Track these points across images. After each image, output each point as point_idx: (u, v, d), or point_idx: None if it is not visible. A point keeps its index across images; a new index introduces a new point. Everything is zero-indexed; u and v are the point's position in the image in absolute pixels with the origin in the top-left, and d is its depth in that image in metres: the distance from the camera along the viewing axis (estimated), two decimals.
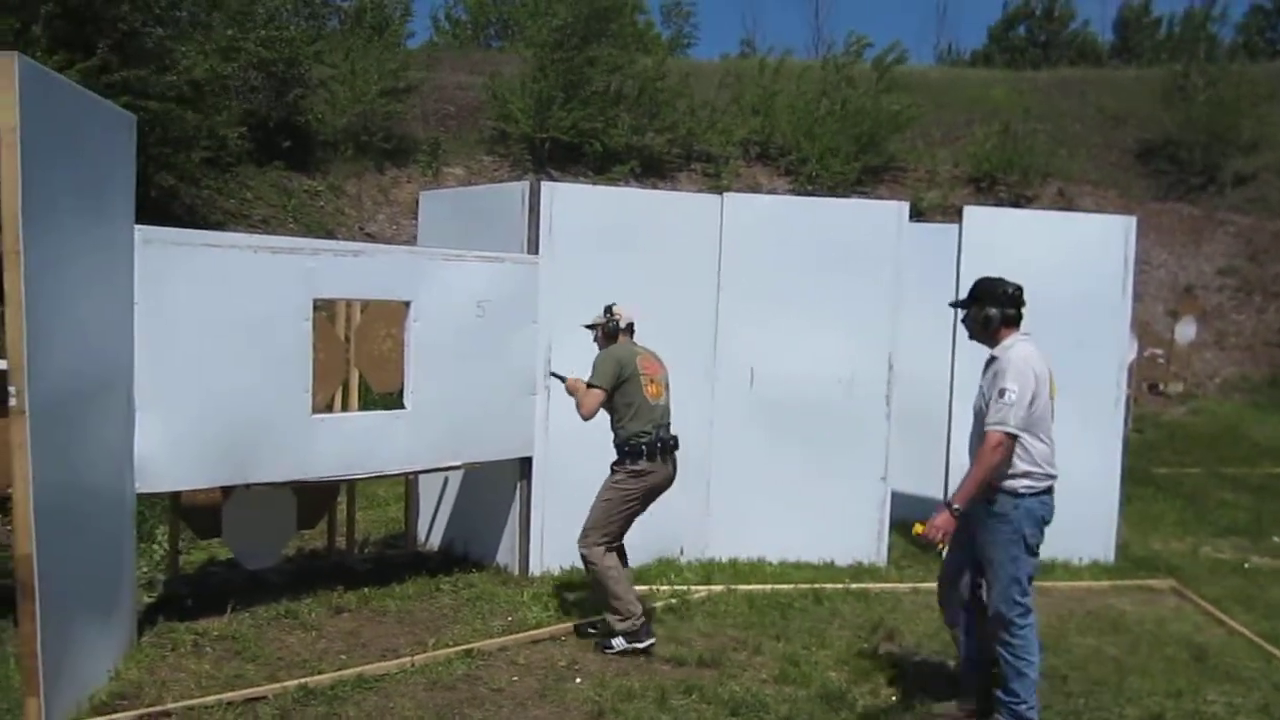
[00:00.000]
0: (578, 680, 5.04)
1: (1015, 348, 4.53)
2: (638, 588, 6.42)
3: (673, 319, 6.85)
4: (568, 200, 6.62)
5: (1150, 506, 9.48)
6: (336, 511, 6.63)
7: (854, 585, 6.73)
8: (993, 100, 22.08)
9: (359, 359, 6.38)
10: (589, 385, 5.42)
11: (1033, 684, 4.50)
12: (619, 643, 5.36)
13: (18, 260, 3.80)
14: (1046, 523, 4.55)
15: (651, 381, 5.46)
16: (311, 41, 15.51)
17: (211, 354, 5.16)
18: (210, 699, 4.56)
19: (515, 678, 5.06)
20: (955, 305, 4.80)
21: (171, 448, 5.07)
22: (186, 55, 11.31)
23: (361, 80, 15.87)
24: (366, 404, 7.00)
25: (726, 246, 7.01)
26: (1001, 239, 7.48)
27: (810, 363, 7.03)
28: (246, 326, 5.27)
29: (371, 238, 14.10)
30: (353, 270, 5.74)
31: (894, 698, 5.01)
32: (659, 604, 6.17)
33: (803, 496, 7.01)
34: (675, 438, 5.54)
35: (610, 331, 5.58)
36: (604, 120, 17.01)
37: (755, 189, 17.23)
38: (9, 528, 6.22)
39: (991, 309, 4.59)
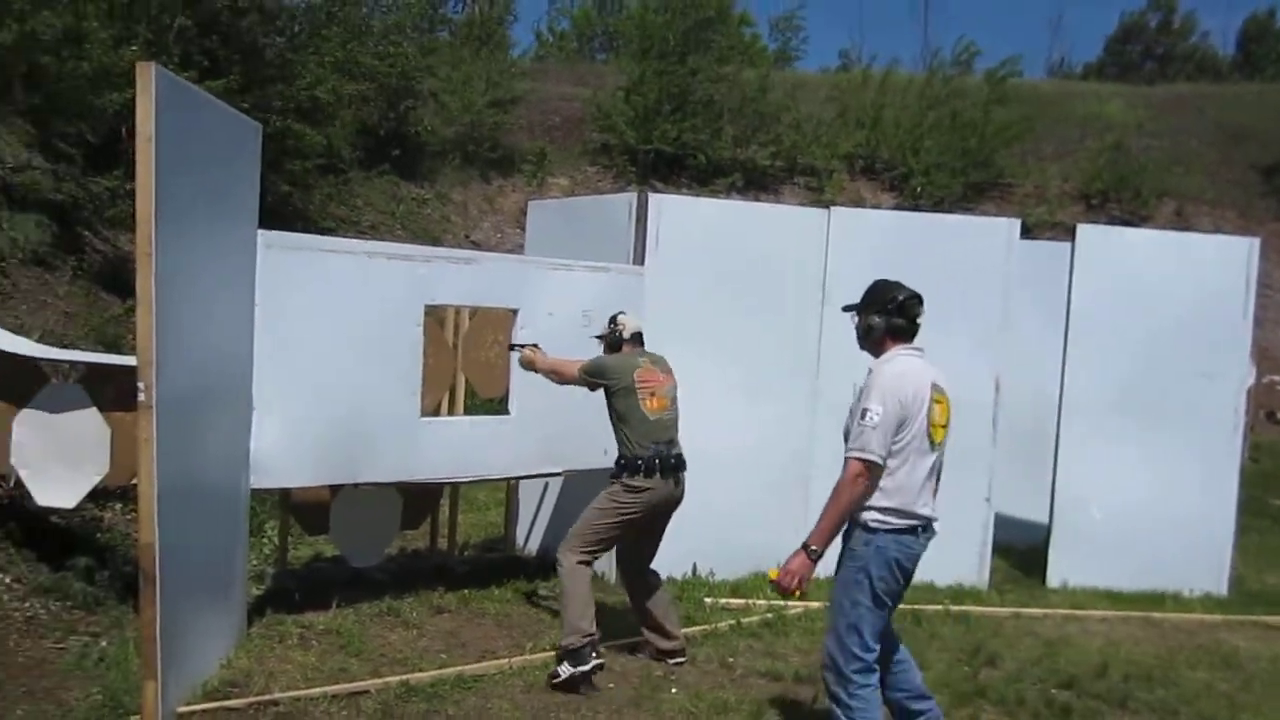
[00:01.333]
0: (673, 690, 5.05)
1: (893, 362, 3.98)
2: (733, 601, 6.42)
3: (776, 333, 6.85)
4: (675, 212, 6.66)
5: (1267, 539, 9.14)
6: (439, 513, 6.75)
7: (954, 607, 6.60)
8: (1106, 115, 21.55)
9: (466, 365, 6.48)
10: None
11: None
12: (564, 669, 4.92)
13: (149, 262, 3.95)
14: (905, 571, 3.98)
15: (652, 395, 5.17)
16: (424, 54, 15.88)
17: (326, 356, 5.31)
18: (316, 691, 4.68)
19: (611, 684, 5.08)
20: (847, 310, 4.25)
21: (285, 446, 5.21)
22: (306, 69, 11.68)
23: (469, 91, 16.20)
24: (470, 409, 7.11)
25: (832, 261, 6.96)
26: (1116, 258, 7.33)
27: None
28: (360, 330, 5.41)
29: (476, 246, 14.35)
30: (464, 277, 5.85)
31: None
32: (755, 619, 6.14)
33: None
34: (679, 455, 5.22)
35: (613, 342, 5.40)
36: (708, 133, 17.08)
37: (858, 204, 17.08)
38: (128, 517, 6.49)
39: (875, 317, 4.05)
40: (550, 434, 6.16)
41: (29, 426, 5.20)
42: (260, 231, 5.08)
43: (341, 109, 13.30)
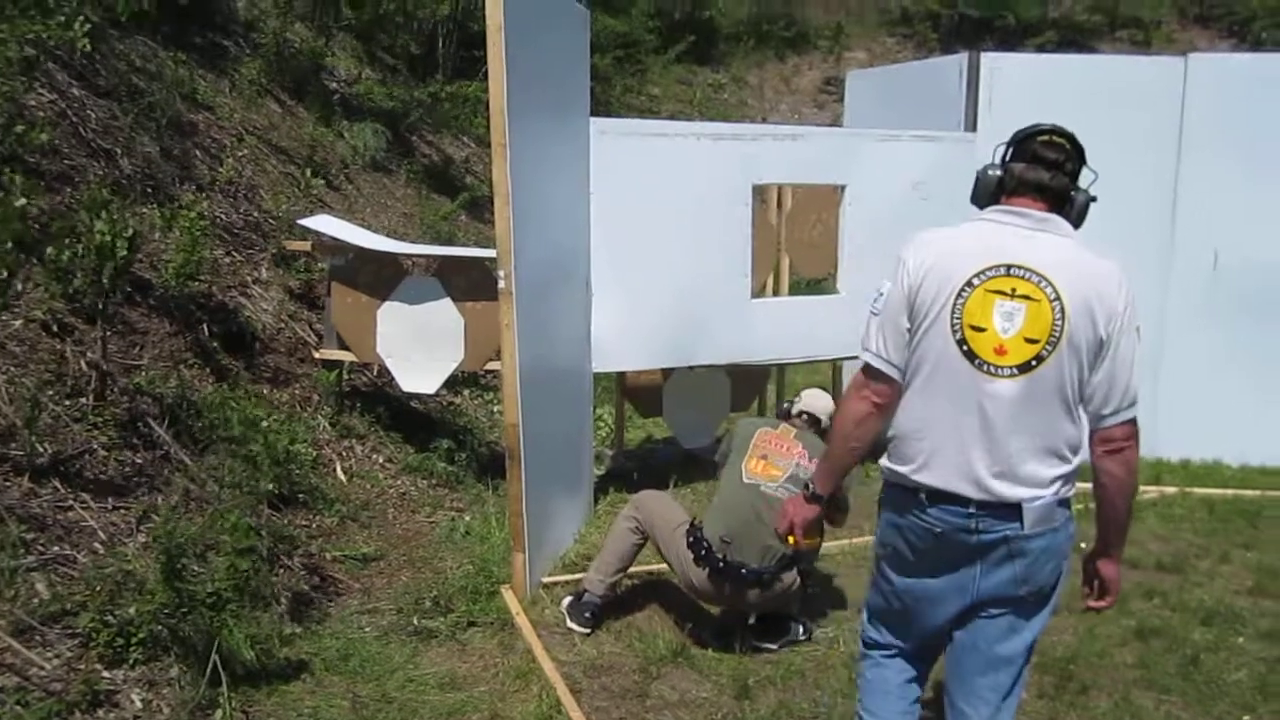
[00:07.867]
0: None
1: (948, 227, 2.58)
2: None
3: (1123, 197, 6.27)
4: (1010, 72, 6.18)
5: None
6: (766, 394, 6.75)
7: None
8: None
9: (789, 244, 6.38)
10: None
11: None
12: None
13: (504, 153, 4.06)
14: (915, 549, 2.58)
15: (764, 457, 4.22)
16: None
17: (659, 240, 5.34)
18: (662, 565, 4.82)
19: None
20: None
21: (622, 330, 5.32)
22: None
23: None
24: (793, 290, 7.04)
25: (1189, 115, 6.27)
26: None
27: None
28: (690, 212, 5.39)
29: None
30: (790, 155, 5.68)
31: None
32: None
33: (1272, 395, 6.28)
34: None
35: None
36: None
37: None
38: (476, 402, 6.90)
39: (988, 170, 2.60)
40: None
41: (392, 318, 5.56)
42: (592, 119, 5.12)
43: None
